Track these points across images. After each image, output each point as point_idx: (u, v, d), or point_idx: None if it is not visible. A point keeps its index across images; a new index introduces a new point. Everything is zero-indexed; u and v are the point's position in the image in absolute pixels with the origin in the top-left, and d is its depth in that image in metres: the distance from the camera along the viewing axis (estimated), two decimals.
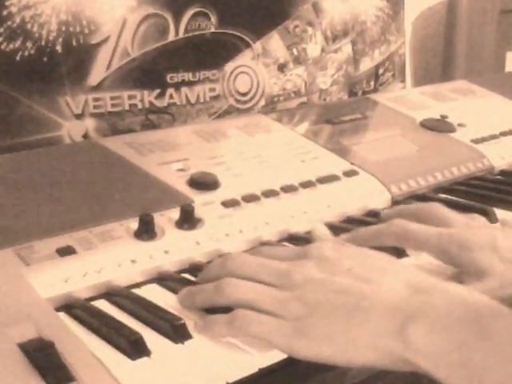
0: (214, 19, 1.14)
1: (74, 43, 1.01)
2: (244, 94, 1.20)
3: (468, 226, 0.72)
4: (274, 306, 0.57)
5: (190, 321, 0.61)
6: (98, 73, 1.04)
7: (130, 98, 1.07)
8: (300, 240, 0.81)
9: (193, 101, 1.14)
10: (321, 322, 0.55)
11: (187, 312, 0.64)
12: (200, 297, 0.63)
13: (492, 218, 0.86)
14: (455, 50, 1.63)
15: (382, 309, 0.54)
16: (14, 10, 0.95)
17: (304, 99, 1.29)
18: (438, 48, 1.69)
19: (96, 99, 1.04)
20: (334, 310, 0.55)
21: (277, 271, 0.60)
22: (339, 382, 0.61)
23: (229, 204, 0.83)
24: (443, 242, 0.69)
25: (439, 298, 0.54)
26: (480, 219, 0.79)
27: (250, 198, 0.85)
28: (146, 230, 0.74)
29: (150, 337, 0.59)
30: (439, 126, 1.16)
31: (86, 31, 1.02)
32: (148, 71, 1.09)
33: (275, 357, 0.58)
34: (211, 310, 0.63)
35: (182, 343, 0.59)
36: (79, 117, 1.02)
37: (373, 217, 0.87)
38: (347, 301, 0.55)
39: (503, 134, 1.17)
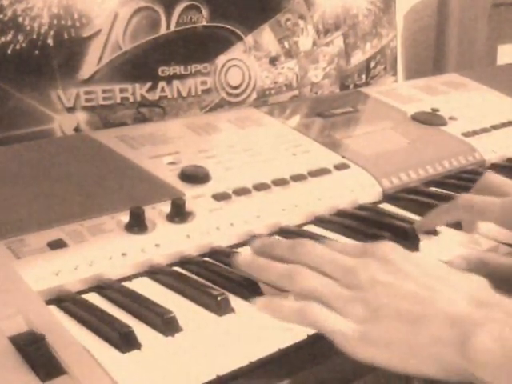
0: (205, 12, 1.14)
1: (66, 36, 1.01)
2: (235, 88, 1.20)
3: None
4: (339, 303, 0.58)
5: (181, 314, 0.61)
6: (89, 66, 1.04)
7: (121, 91, 1.07)
8: (291, 234, 0.81)
9: (184, 94, 1.14)
10: (383, 327, 0.55)
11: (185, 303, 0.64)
12: (268, 274, 0.64)
13: None
14: (447, 44, 1.63)
15: (444, 319, 0.54)
16: (5, 2, 0.95)
17: (295, 92, 1.29)
18: (430, 41, 1.69)
19: (87, 92, 1.04)
20: (396, 316, 0.55)
21: (343, 267, 0.60)
22: (332, 374, 0.61)
23: (220, 197, 0.83)
24: (506, 209, 0.75)
25: (500, 311, 0.53)
26: None
27: (241, 192, 0.85)
28: (137, 223, 0.75)
29: (141, 330, 0.59)
30: (430, 120, 1.16)
31: (78, 24, 1.02)
32: (139, 64, 1.09)
33: (265, 349, 0.58)
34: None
35: (173, 336, 0.59)
36: (71, 110, 1.02)
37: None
38: (411, 308, 0.55)
39: (494, 127, 1.18)
